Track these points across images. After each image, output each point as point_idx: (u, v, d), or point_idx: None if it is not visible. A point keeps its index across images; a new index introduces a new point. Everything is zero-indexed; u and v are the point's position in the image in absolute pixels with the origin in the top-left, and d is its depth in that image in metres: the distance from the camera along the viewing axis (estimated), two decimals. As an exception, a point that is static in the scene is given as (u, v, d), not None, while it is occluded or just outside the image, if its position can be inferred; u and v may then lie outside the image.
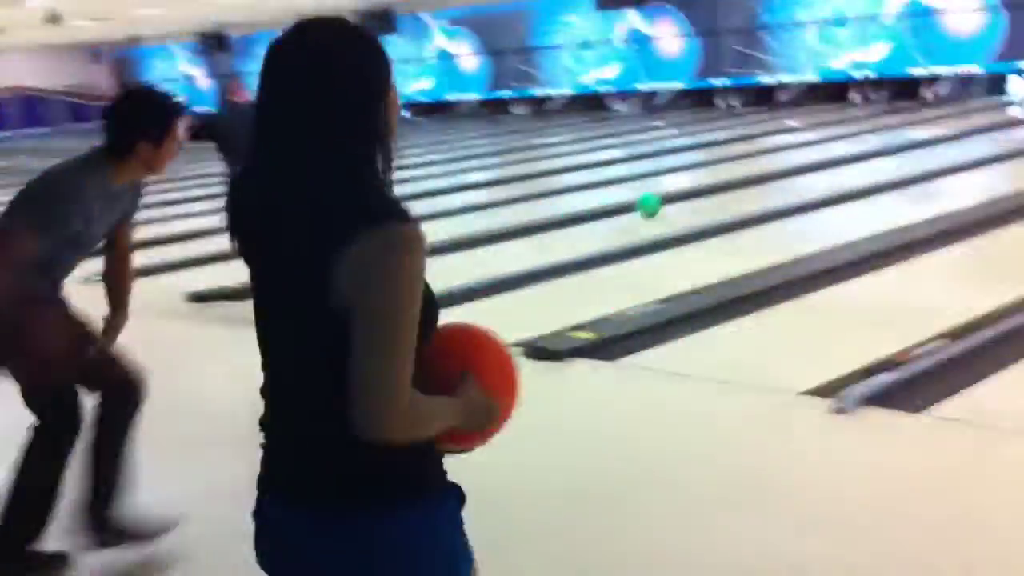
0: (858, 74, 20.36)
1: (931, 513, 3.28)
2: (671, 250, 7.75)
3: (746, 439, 4.03)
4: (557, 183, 12.53)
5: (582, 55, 24.66)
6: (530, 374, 4.55)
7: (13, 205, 2.99)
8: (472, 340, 1.66)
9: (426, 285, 1.46)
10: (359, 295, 1.40)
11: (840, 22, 20.44)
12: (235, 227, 1.57)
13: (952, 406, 4.17)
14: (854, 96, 20.44)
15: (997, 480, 3.50)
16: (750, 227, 8.48)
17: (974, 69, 18.99)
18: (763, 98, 21.57)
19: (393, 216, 1.43)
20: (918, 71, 19.64)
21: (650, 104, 23.28)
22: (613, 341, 5.33)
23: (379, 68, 1.50)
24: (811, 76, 21.04)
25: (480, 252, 8.30)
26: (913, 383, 4.42)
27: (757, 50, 21.70)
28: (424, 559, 1.49)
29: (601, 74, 24.42)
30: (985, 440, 3.83)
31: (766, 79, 21.69)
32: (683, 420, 4.29)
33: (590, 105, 24.33)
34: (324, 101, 1.45)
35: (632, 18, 23.62)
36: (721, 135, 16.62)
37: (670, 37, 23.22)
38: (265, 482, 1.58)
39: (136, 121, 3.03)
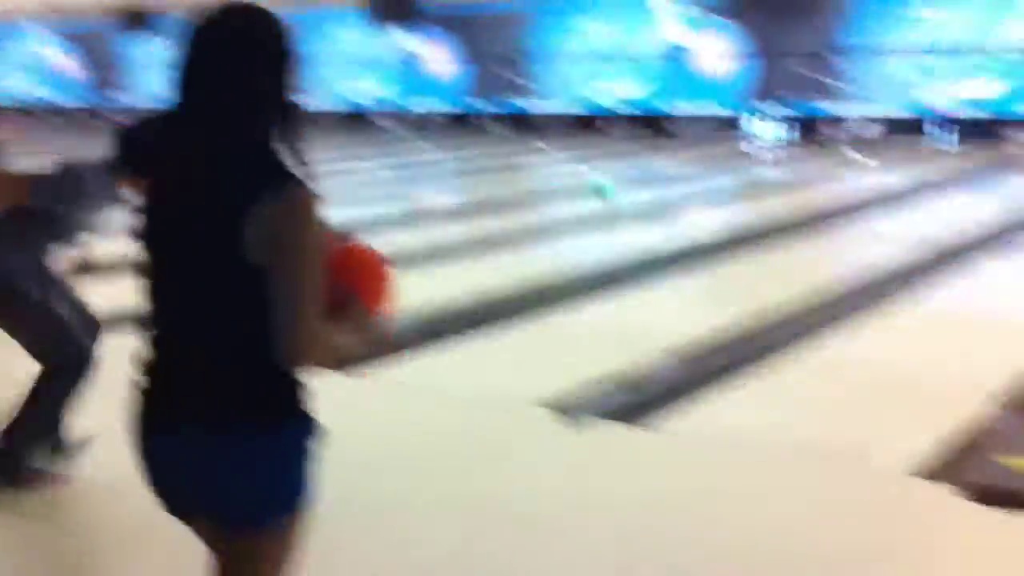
0: (614, 107, 21.42)
1: (655, 523, 3.39)
2: (425, 265, 7.79)
3: (478, 452, 4.03)
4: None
5: (350, 71, 24.60)
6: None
7: None
8: (353, 260, 1.90)
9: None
10: (275, 253, 1.67)
11: (600, 56, 21.45)
12: (138, 164, 1.83)
13: (683, 423, 4.34)
14: (609, 128, 21.46)
15: (726, 495, 3.62)
16: (505, 247, 8.78)
17: (721, 109, 20.39)
18: (528, 125, 22.25)
19: (294, 180, 1.70)
20: (668, 108, 20.88)
21: (418, 124, 23.47)
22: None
23: (293, 49, 1.78)
24: (572, 106, 21.93)
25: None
26: (646, 401, 4.61)
27: (522, 77, 22.40)
28: (282, 467, 1.79)
29: (371, 91, 24.43)
30: (712, 455, 3.99)
31: (529, 106, 22.40)
32: (426, 432, 4.23)
33: (358, 122, 24.27)
34: (243, 69, 1.72)
35: (402, 37, 23.80)
36: (484, 160, 17.06)
37: (439, 59, 23.58)
38: (155, 417, 1.79)
39: None
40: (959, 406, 4.48)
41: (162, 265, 1.77)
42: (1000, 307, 6.93)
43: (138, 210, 1.79)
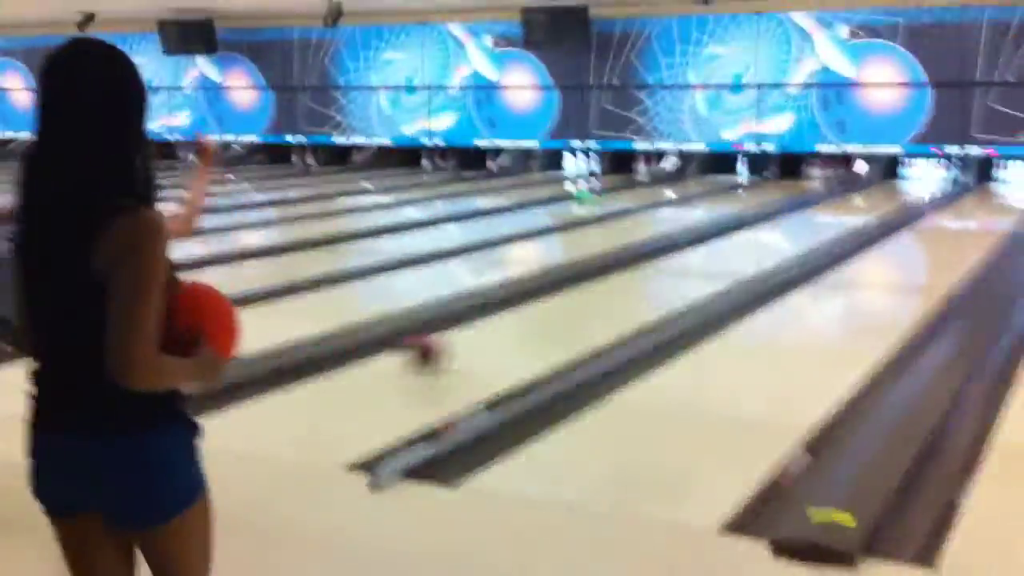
0: (428, 141, 21.32)
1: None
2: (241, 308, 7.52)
3: (281, 512, 3.84)
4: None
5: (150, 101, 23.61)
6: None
7: None
8: (203, 302, 2.04)
9: (168, 262, 1.89)
10: (113, 270, 1.80)
11: (410, 90, 21.32)
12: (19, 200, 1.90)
13: (489, 478, 4.19)
14: (425, 163, 21.34)
15: (530, 550, 3.53)
16: (320, 288, 8.47)
17: (532, 144, 20.57)
18: (339, 158, 21.89)
19: (140, 205, 1.86)
20: (483, 143, 20.93)
21: (224, 156, 22.76)
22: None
23: (139, 85, 1.96)
24: (384, 140, 21.71)
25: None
26: (452, 454, 4.43)
27: (331, 109, 22.03)
28: (165, 468, 1.96)
29: (171, 121, 23.57)
30: (513, 515, 3.84)
31: (340, 139, 22.05)
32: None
33: (160, 154, 23.33)
34: (96, 105, 1.88)
35: (203, 65, 23.08)
36: (295, 193, 16.63)
37: (243, 88, 22.96)
38: (41, 422, 1.96)
39: None
40: (771, 449, 4.46)
41: (31, 286, 1.92)
42: (808, 340, 7.11)
43: (10, 236, 1.94)
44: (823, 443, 4.64)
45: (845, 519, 3.59)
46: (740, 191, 17.35)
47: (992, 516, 3.84)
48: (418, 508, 3.89)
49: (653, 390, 5.58)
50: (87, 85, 1.87)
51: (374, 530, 3.71)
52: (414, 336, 5.82)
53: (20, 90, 24.96)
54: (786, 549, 3.38)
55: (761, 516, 3.76)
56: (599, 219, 13.72)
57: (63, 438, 1.93)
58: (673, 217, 14.52)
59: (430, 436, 4.59)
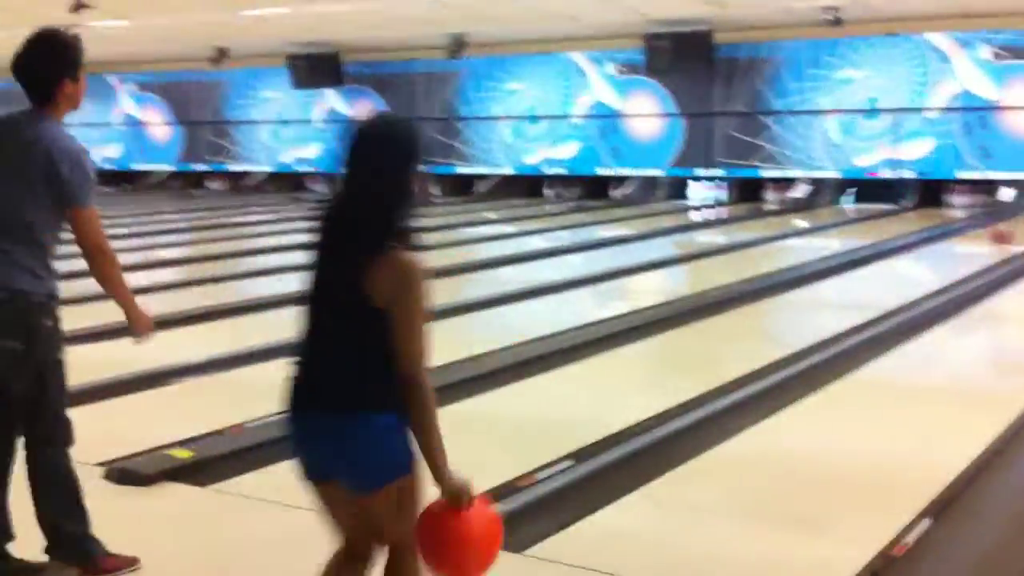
0: (551, 170, 21.21)
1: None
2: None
3: None
4: (254, 264, 12.02)
5: (280, 132, 24.22)
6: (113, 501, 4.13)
7: (49, 176, 3.27)
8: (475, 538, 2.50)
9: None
10: (395, 300, 2.34)
11: (533, 119, 21.28)
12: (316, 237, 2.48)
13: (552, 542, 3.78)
14: (547, 192, 21.25)
15: None
16: (444, 319, 8.34)
17: (657, 172, 20.26)
18: (461, 188, 21.97)
19: (408, 247, 2.39)
20: (606, 171, 20.72)
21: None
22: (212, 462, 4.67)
23: (417, 148, 2.43)
24: (507, 169, 21.70)
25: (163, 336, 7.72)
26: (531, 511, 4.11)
27: (455, 140, 22.16)
28: (384, 444, 2.41)
29: (300, 153, 24.06)
30: None
31: (464, 169, 22.15)
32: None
33: (289, 184, 23.88)
34: (383, 166, 2.40)
35: (331, 98, 23.52)
36: (422, 223, 16.64)
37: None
38: (301, 403, 2.47)
39: (53, 62, 3.34)
40: (891, 513, 4.03)
41: (314, 298, 2.48)
42: (946, 381, 6.64)
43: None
44: (951, 508, 4.16)
45: None
46: (880, 217, 16.66)
47: None
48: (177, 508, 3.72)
49: (767, 434, 5.23)
50: (391, 153, 2.40)
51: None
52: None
53: (158, 124, 25.86)
54: None
55: None
56: (725, 249, 13.33)
57: (319, 414, 2.43)
58: (803, 247, 14.02)
59: (508, 490, 4.28)
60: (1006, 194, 17.47)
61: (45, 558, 3.43)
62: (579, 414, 5.57)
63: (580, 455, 4.79)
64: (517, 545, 3.69)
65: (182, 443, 4.84)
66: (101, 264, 3.42)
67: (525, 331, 7.66)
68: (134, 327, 3.53)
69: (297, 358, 2.51)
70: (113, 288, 3.46)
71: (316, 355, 2.47)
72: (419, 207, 2.44)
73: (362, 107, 23.19)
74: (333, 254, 2.44)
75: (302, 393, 2.47)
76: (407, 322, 2.35)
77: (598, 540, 3.86)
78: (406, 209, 2.42)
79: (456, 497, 2.40)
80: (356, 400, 2.39)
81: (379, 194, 2.38)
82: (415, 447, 2.43)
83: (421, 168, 2.43)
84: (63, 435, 3.40)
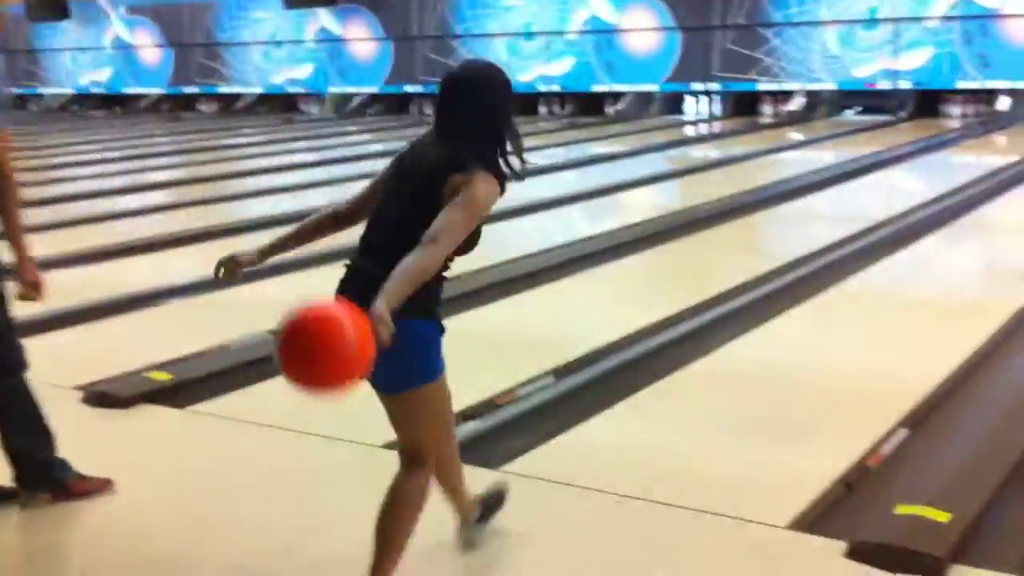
0: (545, 88, 20.96)
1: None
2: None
3: (318, 492, 3.54)
4: (244, 186, 11.96)
5: (272, 53, 23.91)
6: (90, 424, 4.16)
7: None
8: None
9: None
10: (456, 195, 2.50)
11: (529, 35, 20.97)
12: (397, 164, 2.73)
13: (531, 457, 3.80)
14: (542, 109, 21.01)
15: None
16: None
17: (652, 88, 20.02)
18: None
19: (487, 166, 2.57)
20: (600, 88, 20.46)
21: (343, 108, 22.91)
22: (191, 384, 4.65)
23: (510, 89, 2.70)
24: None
25: (151, 258, 7.74)
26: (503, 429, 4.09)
27: (449, 58, 21.86)
28: (430, 343, 2.61)
29: (292, 74, 23.77)
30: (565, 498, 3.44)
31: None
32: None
33: (281, 106, 23.64)
34: (480, 103, 2.63)
35: (323, 18, 23.16)
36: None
37: (362, 40, 22.97)
38: (349, 290, 2.57)
39: None
40: (874, 420, 4.03)
41: (387, 201, 2.67)
42: (936, 290, 6.62)
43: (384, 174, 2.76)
44: (929, 418, 4.14)
45: (937, 514, 3.11)
46: (879, 127, 16.50)
47: None
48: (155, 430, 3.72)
49: (752, 346, 5.22)
50: (481, 92, 2.64)
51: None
52: None
53: (149, 47, 25.53)
54: (862, 552, 2.92)
55: (842, 508, 3.34)
56: (719, 163, 13.22)
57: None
58: (799, 160, 13.90)
59: (484, 407, 4.26)
60: (1004, 103, 17.27)
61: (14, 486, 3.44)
62: (565, 330, 5.56)
63: (563, 371, 4.79)
64: (496, 461, 3.71)
65: (162, 365, 4.83)
66: (4, 191, 3.23)
67: (516, 248, 7.62)
68: (25, 275, 3.27)
69: (358, 257, 2.64)
70: (11, 223, 3.26)
71: (375, 257, 2.56)
72: (512, 135, 2.66)
73: (355, 26, 22.85)
74: (420, 164, 2.63)
75: (355, 290, 2.52)
76: (455, 213, 2.49)
77: (577, 455, 3.86)
78: (502, 141, 2.65)
79: (375, 325, 2.23)
80: (404, 305, 2.37)
81: (482, 125, 2.62)
82: (442, 360, 2.65)
83: (510, 105, 2.68)
84: (18, 361, 3.36)
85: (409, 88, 22.39)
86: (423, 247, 2.44)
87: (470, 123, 2.60)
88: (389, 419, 2.71)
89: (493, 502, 3.16)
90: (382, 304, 2.28)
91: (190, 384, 4.65)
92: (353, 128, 19.39)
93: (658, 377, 4.74)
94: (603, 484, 3.51)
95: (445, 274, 2.60)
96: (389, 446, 3.88)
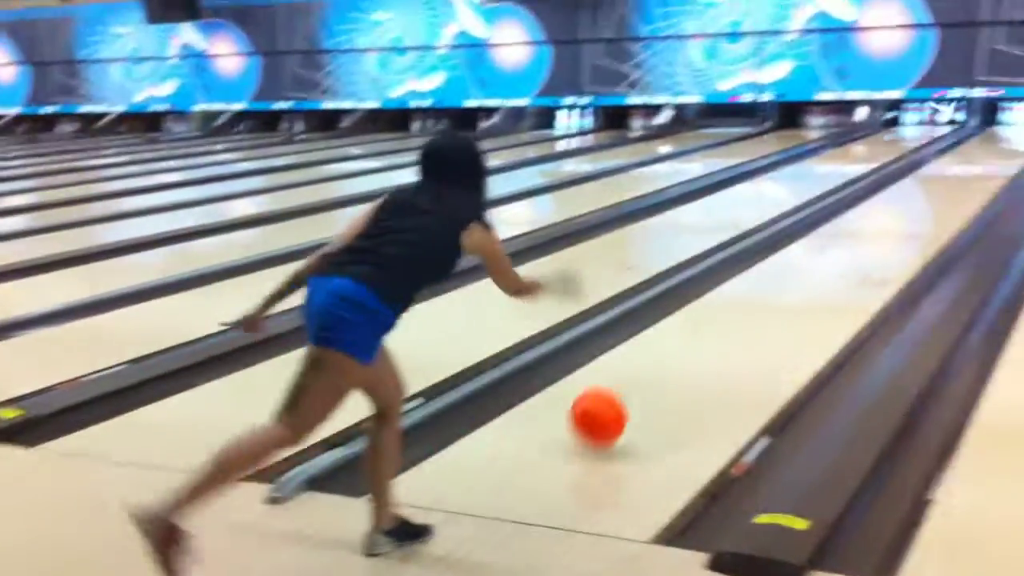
0: (417, 103, 20.86)
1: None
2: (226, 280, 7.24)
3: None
4: (107, 209, 11.55)
5: (134, 70, 23.25)
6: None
7: None
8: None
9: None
10: (482, 251, 3.12)
11: (400, 51, 20.87)
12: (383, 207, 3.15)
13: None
14: (415, 125, 20.92)
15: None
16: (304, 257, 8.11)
17: (523, 102, 20.13)
18: (326, 123, 21.49)
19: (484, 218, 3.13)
20: (473, 103, 20.49)
21: (209, 125, 22.41)
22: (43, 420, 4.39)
23: (483, 160, 3.26)
24: (372, 103, 21.28)
25: (8, 287, 7.38)
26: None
27: (318, 74, 21.61)
28: (380, 330, 2.97)
29: (156, 91, 23.15)
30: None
31: (328, 104, 21.65)
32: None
33: (144, 124, 23.00)
34: (465, 173, 3.21)
35: (187, 33, 22.64)
36: (283, 160, 16.26)
37: (228, 55, 22.52)
38: (330, 270, 2.97)
39: None
40: (738, 428, 4.07)
41: (388, 226, 3.05)
42: (802, 295, 6.76)
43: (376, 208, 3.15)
44: (793, 422, 4.21)
45: (796, 522, 3.12)
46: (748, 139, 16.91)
47: (964, 514, 3.34)
48: (321, 521, 3.43)
49: (623, 359, 5.23)
50: (459, 160, 3.21)
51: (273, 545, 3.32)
52: None
53: (4, 64, 24.56)
54: (723, 564, 2.94)
55: (705, 519, 3.35)
56: (592, 177, 13.35)
57: (346, 281, 2.88)
58: (668, 172, 14.14)
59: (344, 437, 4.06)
60: (861, 113, 17.91)
61: None
62: (438, 350, 5.46)
63: (433, 392, 4.70)
64: (363, 489, 3.60)
65: (13, 401, 4.59)
66: None
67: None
68: None
69: (345, 254, 2.99)
70: None
71: (370, 254, 2.96)
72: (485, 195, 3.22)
73: (221, 41, 22.40)
74: (428, 212, 3.07)
75: (337, 267, 2.94)
76: (499, 262, 3.16)
77: (446, 478, 3.78)
78: (480, 196, 3.21)
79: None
80: (383, 286, 2.89)
81: (469, 189, 3.18)
82: (379, 350, 2.96)
83: (484, 171, 3.23)
84: None
85: (278, 104, 22.04)
86: (513, 276, 3.26)
87: (470, 183, 3.18)
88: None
89: (413, 531, 3.16)
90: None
91: (42, 420, 4.41)
92: (221, 146, 18.97)
93: (531, 394, 4.71)
94: (471, 507, 3.45)
95: (419, 292, 3.04)
96: (248, 479, 3.78)
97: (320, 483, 3.71)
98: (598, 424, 3.85)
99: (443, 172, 3.16)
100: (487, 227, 3.12)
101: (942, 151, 14.55)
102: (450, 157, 3.20)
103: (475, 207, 3.15)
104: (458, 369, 5.02)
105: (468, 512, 3.41)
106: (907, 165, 13.02)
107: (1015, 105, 17.04)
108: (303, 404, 2.88)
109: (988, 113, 17.14)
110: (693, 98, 18.91)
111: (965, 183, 12.47)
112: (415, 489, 3.58)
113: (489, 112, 20.40)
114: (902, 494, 3.52)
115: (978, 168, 13.79)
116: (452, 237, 3.04)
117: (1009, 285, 6.54)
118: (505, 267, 3.18)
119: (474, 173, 3.20)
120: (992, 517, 3.33)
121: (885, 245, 8.96)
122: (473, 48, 20.36)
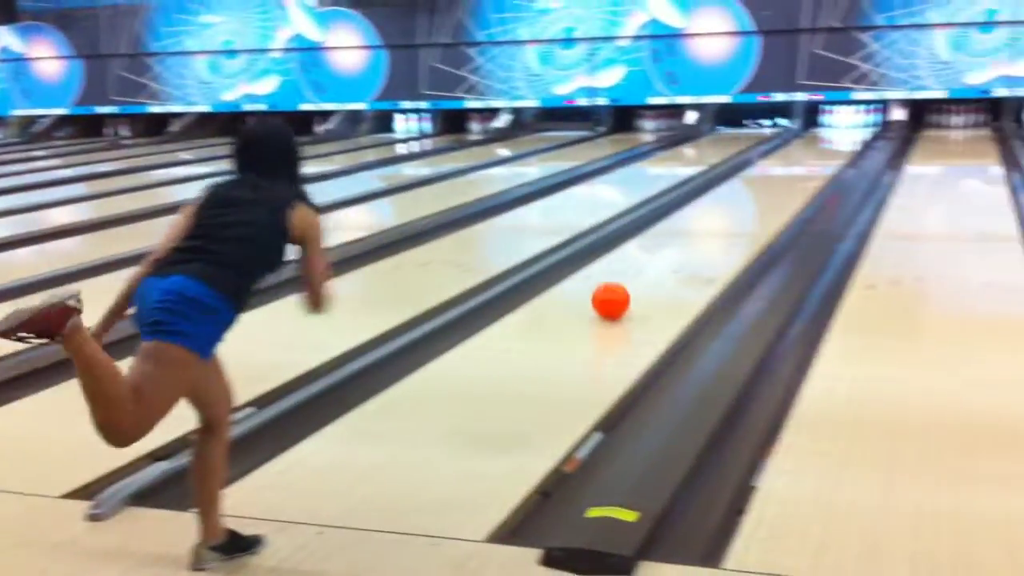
0: (250, 107, 20.41)
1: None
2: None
3: None
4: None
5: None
6: None
7: None
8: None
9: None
10: (304, 235, 3.09)
11: (230, 54, 20.39)
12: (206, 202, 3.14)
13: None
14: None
15: None
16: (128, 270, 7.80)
17: (360, 106, 19.95)
18: (155, 128, 20.79)
19: (303, 200, 3.16)
20: (308, 106, 20.19)
21: (28, 131, 21.38)
22: None
23: (296, 144, 3.28)
24: (203, 107, 20.72)
25: None
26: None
27: (145, 77, 20.90)
28: (219, 326, 2.94)
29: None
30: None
31: (156, 108, 20.96)
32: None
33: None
34: (280, 159, 3.22)
35: (4, 36, 21.55)
36: (108, 167, 15.65)
37: (49, 58, 21.54)
38: (175, 269, 2.93)
39: None
40: (570, 424, 4.12)
41: (213, 223, 3.03)
42: (634, 293, 6.90)
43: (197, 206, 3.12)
44: (624, 416, 4.29)
45: (625, 514, 3.18)
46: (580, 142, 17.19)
47: (785, 499, 3.45)
48: (146, 536, 3.31)
49: (461, 360, 5.23)
50: (272, 147, 3.21)
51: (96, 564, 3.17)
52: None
53: None
54: (555, 558, 2.96)
55: (539, 516, 3.39)
56: (431, 181, 13.33)
57: (180, 278, 2.86)
58: (506, 175, 14.25)
59: (165, 452, 3.91)
60: (691, 117, 18.47)
61: None
62: (271, 356, 5.34)
63: (266, 400, 4.60)
64: (183, 504, 3.47)
65: None
66: None
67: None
68: None
69: (175, 254, 2.96)
70: None
71: (201, 252, 2.94)
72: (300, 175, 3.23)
73: (41, 44, 21.42)
74: (243, 205, 3.06)
75: (170, 266, 2.91)
76: (318, 245, 3.12)
77: (279, 487, 3.70)
78: (301, 184, 3.23)
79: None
80: (220, 282, 2.88)
81: (286, 174, 3.19)
82: (215, 350, 2.95)
83: (297, 152, 3.24)
84: None
85: (102, 109, 21.21)
86: (324, 269, 3.17)
87: (285, 169, 3.19)
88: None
89: (243, 543, 3.08)
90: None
91: None
92: (41, 152, 18.13)
93: (368, 397, 4.66)
94: (304, 515, 3.38)
95: (255, 286, 3.04)
96: (67, 495, 3.63)
97: (144, 498, 3.57)
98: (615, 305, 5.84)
99: (259, 161, 3.16)
100: (312, 206, 3.14)
101: (766, 153, 15.14)
102: (264, 145, 3.21)
103: (295, 189, 3.17)
104: (290, 377, 4.92)
105: (302, 521, 3.34)
106: (733, 166, 13.49)
107: (835, 108, 17.86)
108: (143, 392, 2.74)
109: (810, 116, 17.90)
110: (530, 102, 19.12)
111: (788, 183, 13.00)
112: (246, 500, 3.49)
113: (325, 116, 20.14)
114: (727, 482, 3.62)
115: (800, 168, 14.40)
116: (278, 223, 3.04)
117: (827, 280, 6.85)
118: (321, 254, 3.13)
119: (289, 157, 3.22)
120: (812, 501, 3.46)
121: (713, 244, 9.25)
122: (308, 52, 20.06)
